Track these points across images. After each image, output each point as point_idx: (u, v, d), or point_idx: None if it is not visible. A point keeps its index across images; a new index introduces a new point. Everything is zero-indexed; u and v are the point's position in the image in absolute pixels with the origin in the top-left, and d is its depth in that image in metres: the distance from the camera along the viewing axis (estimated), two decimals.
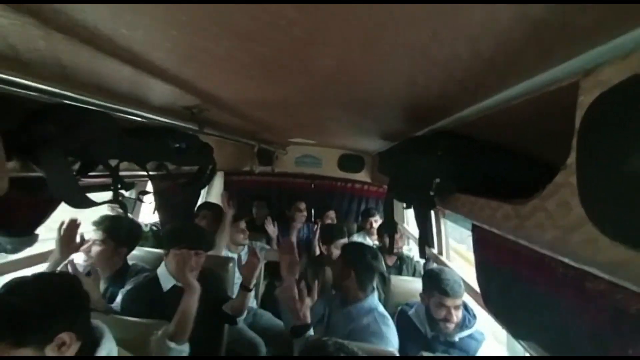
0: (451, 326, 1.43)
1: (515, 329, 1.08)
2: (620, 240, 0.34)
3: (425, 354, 1.15)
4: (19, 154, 0.91)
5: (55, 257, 1.36)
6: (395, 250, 2.35)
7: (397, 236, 2.35)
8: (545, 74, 0.45)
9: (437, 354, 1.40)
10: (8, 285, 0.85)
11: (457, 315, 1.43)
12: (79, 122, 1.02)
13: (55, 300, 0.85)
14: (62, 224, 1.43)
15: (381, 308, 1.47)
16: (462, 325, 1.44)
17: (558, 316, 0.86)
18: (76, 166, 1.09)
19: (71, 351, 0.85)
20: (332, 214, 3.20)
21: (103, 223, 1.60)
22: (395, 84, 0.71)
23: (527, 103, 0.53)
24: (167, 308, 1.30)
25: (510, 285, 1.08)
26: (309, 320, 1.26)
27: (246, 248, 2.40)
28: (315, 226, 3.03)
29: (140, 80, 0.81)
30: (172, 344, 1.23)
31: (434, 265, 1.98)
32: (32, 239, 1.23)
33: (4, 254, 1.24)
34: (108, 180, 1.28)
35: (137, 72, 0.70)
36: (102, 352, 0.88)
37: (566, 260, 0.50)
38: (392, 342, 1.36)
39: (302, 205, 2.98)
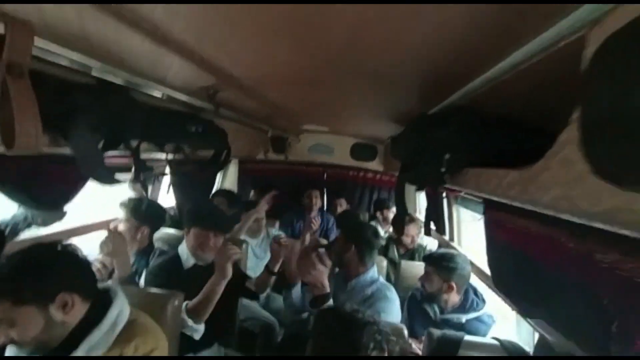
0: (449, 303, 1.47)
1: (524, 307, 1.08)
2: (622, 185, 0.35)
3: (433, 331, 1.17)
4: (48, 127, 0.97)
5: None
6: (411, 244, 2.35)
7: (414, 232, 2.35)
8: (553, 29, 0.46)
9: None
10: (11, 252, 0.91)
11: (452, 295, 1.46)
12: (107, 99, 1.07)
13: (51, 261, 0.88)
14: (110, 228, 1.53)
15: (383, 279, 1.52)
16: (470, 307, 1.45)
17: (567, 292, 0.86)
18: (100, 145, 1.15)
19: (77, 311, 0.88)
20: (342, 201, 3.22)
21: (129, 204, 1.69)
22: (407, 54, 0.72)
23: (537, 65, 0.54)
24: (187, 285, 1.35)
25: (520, 264, 1.08)
26: (327, 289, 1.30)
27: (261, 236, 2.45)
28: (329, 215, 3.09)
29: (159, 57, 0.84)
30: (190, 322, 1.30)
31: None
32: (60, 213, 1.31)
33: (34, 227, 1.34)
34: (129, 163, 1.35)
35: (157, 46, 0.74)
36: (113, 311, 0.93)
37: (567, 216, 0.50)
38: (397, 306, 1.41)
39: (317, 193, 3.00)
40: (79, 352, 0.85)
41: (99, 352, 0.87)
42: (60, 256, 0.92)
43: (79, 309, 0.90)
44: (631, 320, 0.69)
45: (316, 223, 2.84)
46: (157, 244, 1.87)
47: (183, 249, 1.56)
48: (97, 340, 0.87)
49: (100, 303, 0.94)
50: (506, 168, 0.67)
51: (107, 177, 1.16)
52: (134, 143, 1.30)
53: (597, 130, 0.39)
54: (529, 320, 1.10)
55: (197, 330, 1.34)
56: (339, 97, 1.34)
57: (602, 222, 0.41)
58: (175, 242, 1.86)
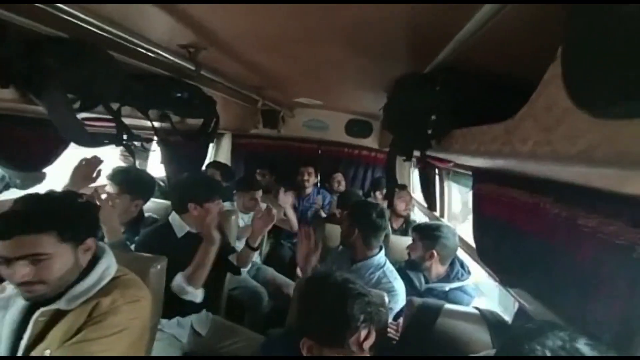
0: (432, 273, 1.49)
1: (505, 277, 1.08)
2: (605, 115, 0.32)
3: (414, 300, 1.18)
4: (18, 83, 0.93)
5: (66, 185, 1.41)
6: (404, 211, 2.36)
7: (407, 198, 2.36)
8: None
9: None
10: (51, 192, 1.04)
11: (435, 263, 1.48)
12: (80, 57, 1.02)
13: (84, 206, 0.97)
14: (84, 158, 1.49)
15: (389, 264, 1.50)
16: (454, 277, 1.46)
17: (549, 259, 0.86)
18: (76, 105, 1.11)
19: (86, 257, 0.93)
20: (339, 176, 3.19)
21: (117, 176, 1.63)
22: (390, 7, 0.67)
23: (512, 13, 0.50)
24: (181, 253, 1.37)
25: (504, 234, 1.07)
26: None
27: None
28: (325, 192, 3.07)
29: (136, 7, 0.79)
30: (190, 288, 1.36)
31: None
32: (40, 176, 1.29)
33: (15, 190, 1.31)
34: (113, 130, 1.31)
35: None
36: (100, 266, 0.94)
37: (547, 164, 0.48)
38: (402, 297, 1.40)
39: (309, 170, 2.95)
40: (62, 301, 0.86)
41: (77, 303, 0.87)
42: (88, 204, 1.02)
43: (89, 255, 0.94)
44: (611, 282, 0.68)
45: (319, 202, 2.84)
46: (146, 213, 1.86)
47: (174, 217, 1.55)
48: (79, 293, 0.88)
49: (95, 253, 0.96)
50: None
51: (85, 139, 1.12)
52: (114, 106, 1.25)
53: (579, 62, 0.35)
54: (509, 290, 1.10)
55: (197, 295, 1.39)
56: (326, 61, 1.28)
57: (580, 162, 0.39)
58: (164, 212, 1.85)
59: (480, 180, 1.24)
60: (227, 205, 2.39)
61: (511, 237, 1.06)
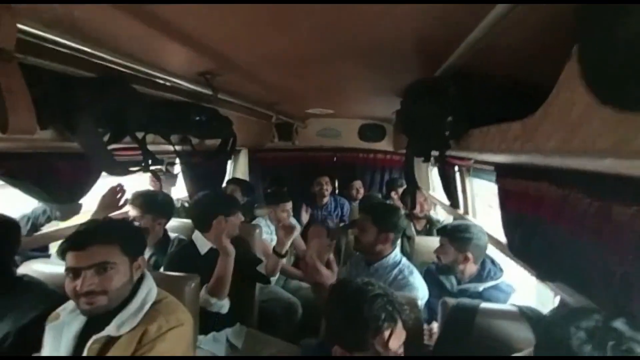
0: (466, 274, 1.45)
1: (542, 271, 1.06)
2: (626, 108, 0.33)
3: (448, 300, 1.16)
4: (54, 122, 1.00)
5: (93, 214, 1.49)
6: (421, 213, 2.33)
7: (421, 199, 2.33)
8: None
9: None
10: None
11: (468, 265, 1.43)
12: (106, 92, 1.09)
13: (137, 229, 1.11)
14: (110, 188, 1.59)
15: (405, 260, 1.50)
16: (487, 276, 1.42)
17: (582, 251, 0.83)
18: (106, 138, 1.18)
19: (137, 275, 1.00)
20: (358, 183, 3.19)
21: (137, 199, 1.69)
22: (399, 17, 0.69)
23: (521, 15, 0.50)
24: (205, 269, 1.41)
25: (535, 229, 1.05)
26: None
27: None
28: (343, 200, 3.08)
29: (154, 41, 0.84)
30: (214, 300, 1.39)
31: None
32: (77, 207, 1.37)
33: (55, 222, 1.40)
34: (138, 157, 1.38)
35: (151, 30, 0.73)
36: (143, 290, 0.99)
37: (572, 160, 0.48)
38: (421, 291, 1.39)
39: (325, 180, 2.97)
40: (111, 327, 0.90)
41: (126, 329, 0.91)
42: (137, 226, 1.13)
43: (139, 273, 1.01)
44: None
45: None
46: (173, 234, 1.93)
47: (198, 235, 1.60)
48: (127, 317, 0.92)
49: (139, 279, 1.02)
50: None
51: (116, 168, 1.19)
52: (139, 135, 1.32)
53: (598, 57, 0.36)
54: (548, 283, 1.07)
55: (222, 305, 1.43)
56: (340, 77, 1.31)
57: (605, 158, 0.39)
58: (189, 231, 1.91)
59: (503, 174, 1.22)
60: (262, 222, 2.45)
61: (541, 230, 1.03)
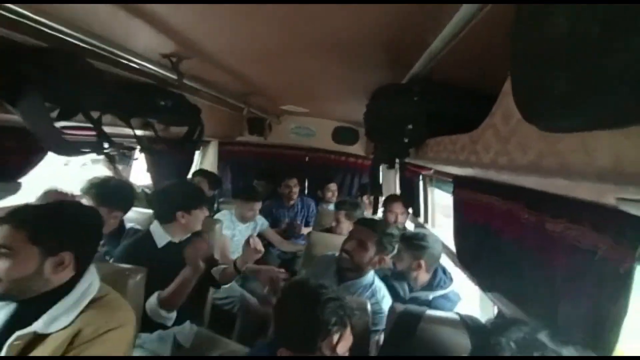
0: (418, 282, 1.49)
1: (483, 281, 1.11)
2: (545, 126, 0.35)
3: (396, 306, 1.19)
4: None
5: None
6: (394, 223, 2.35)
7: (398, 211, 2.33)
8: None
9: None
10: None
11: (421, 273, 1.48)
12: (59, 65, 1.01)
13: (74, 219, 0.93)
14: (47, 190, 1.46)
15: (377, 282, 1.49)
16: (437, 285, 1.48)
17: (520, 263, 0.89)
18: (55, 114, 1.09)
19: (64, 275, 0.88)
20: (333, 186, 3.17)
21: (91, 189, 1.55)
22: (364, 15, 0.69)
23: (484, 22, 0.52)
24: (161, 264, 1.33)
25: (481, 240, 1.10)
26: None
27: (251, 224, 2.46)
28: (309, 200, 3.08)
29: (119, 19, 0.80)
30: (163, 312, 1.31)
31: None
32: (15, 186, 1.25)
33: None
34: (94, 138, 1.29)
35: (117, 7, 0.69)
36: (82, 284, 0.91)
37: (505, 173, 0.50)
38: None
39: (294, 182, 2.93)
40: (39, 323, 0.83)
41: (60, 325, 0.84)
42: (85, 217, 0.97)
43: (67, 274, 0.89)
44: (578, 284, 0.71)
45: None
46: (129, 224, 1.83)
47: (155, 227, 1.52)
48: (60, 314, 0.85)
49: (79, 271, 0.92)
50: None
51: (64, 148, 1.11)
52: (94, 115, 1.24)
53: (524, 75, 0.38)
54: (488, 294, 1.12)
55: (170, 318, 1.34)
56: (310, 72, 1.31)
57: (530, 172, 0.41)
58: (148, 222, 1.82)
59: (459, 185, 1.28)
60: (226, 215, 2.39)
61: (488, 242, 1.08)
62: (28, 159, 1.21)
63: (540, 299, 0.84)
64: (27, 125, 0.99)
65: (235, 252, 2.14)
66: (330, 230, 2.23)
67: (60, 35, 0.84)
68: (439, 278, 1.51)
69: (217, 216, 2.33)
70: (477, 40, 0.64)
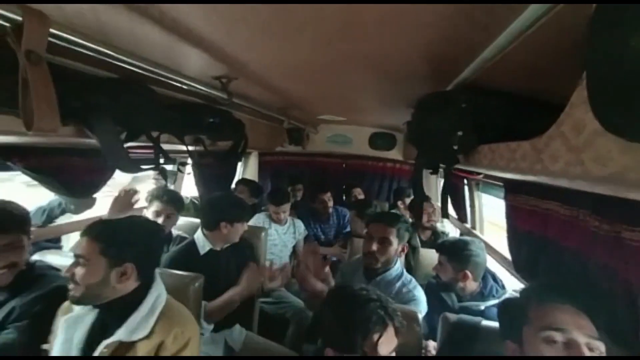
0: (466, 291, 1.43)
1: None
2: (633, 138, 0.33)
3: (449, 316, 1.15)
4: (74, 120, 1.04)
5: (108, 213, 1.54)
6: (427, 223, 2.31)
7: (429, 210, 2.31)
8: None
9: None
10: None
11: (468, 283, 1.41)
12: (125, 92, 1.13)
13: (139, 234, 1.02)
14: (123, 189, 1.64)
15: (405, 272, 1.49)
16: (489, 294, 1.40)
17: (590, 273, 0.82)
18: (123, 136, 1.22)
19: (128, 284, 0.97)
20: (357, 190, 3.17)
21: (155, 193, 1.82)
22: (410, 32, 0.70)
23: (544, 29, 0.51)
24: (203, 270, 1.40)
25: (541, 248, 1.04)
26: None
27: (287, 225, 2.53)
28: (344, 210, 3.08)
29: (173, 46, 0.87)
30: (205, 324, 1.37)
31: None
32: (90, 201, 1.41)
33: (69, 214, 1.44)
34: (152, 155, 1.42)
35: (171, 36, 0.77)
36: (152, 294, 1.00)
37: (579, 183, 0.48)
38: (424, 304, 1.38)
39: (328, 196, 2.91)
40: (122, 332, 0.92)
41: (139, 335, 0.92)
42: (149, 233, 1.06)
43: (131, 283, 0.98)
44: None
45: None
46: (176, 232, 1.97)
47: (199, 235, 1.62)
48: (138, 322, 0.94)
49: (145, 282, 1.01)
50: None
51: (130, 166, 1.23)
52: (154, 134, 1.36)
53: (604, 86, 0.36)
54: None
55: (208, 329, 1.41)
56: (350, 86, 1.33)
57: (613, 184, 0.39)
58: (193, 230, 1.94)
59: (512, 190, 1.21)
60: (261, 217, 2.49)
61: (548, 250, 1.02)
62: (101, 177, 1.36)
63: (613, 312, 0.77)
64: (101, 147, 1.11)
65: (269, 251, 2.20)
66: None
67: (125, 66, 0.94)
68: (489, 286, 1.43)
69: (253, 218, 2.42)
70: (528, 50, 0.62)
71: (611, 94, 0.35)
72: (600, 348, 0.75)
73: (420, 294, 1.40)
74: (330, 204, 2.94)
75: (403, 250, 1.50)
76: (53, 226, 1.46)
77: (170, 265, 1.47)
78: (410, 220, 2.45)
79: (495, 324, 1.14)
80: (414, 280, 1.46)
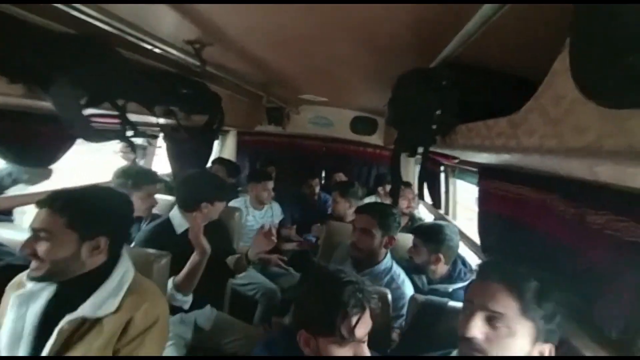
0: (436, 274, 1.45)
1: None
2: (616, 105, 0.32)
3: (417, 297, 1.17)
4: (27, 78, 0.94)
5: None
6: (406, 209, 2.34)
7: (410, 196, 2.33)
8: None
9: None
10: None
11: (439, 266, 1.44)
12: (88, 53, 1.03)
13: (109, 205, 0.96)
14: None
15: (395, 266, 1.48)
16: (457, 277, 1.44)
17: (556, 256, 0.85)
18: (83, 101, 1.12)
19: (97, 259, 0.91)
20: (341, 175, 3.18)
21: (121, 175, 1.65)
22: (391, 10, 0.67)
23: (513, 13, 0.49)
24: (179, 250, 1.35)
25: (510, 231, 1.06)
26: None
27: (264, 208, 2.48)
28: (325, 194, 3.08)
29: (142, 5, 0.79)
30: (179, 295, 1.33)
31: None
32: (47, 172, 1.31)
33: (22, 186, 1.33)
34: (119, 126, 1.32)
35: None
36: (119, 269, 0.94)
37: (553, 157, 0.47)
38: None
39: (315, 181, 2.98)
40: (86, 308, 0.86)
41: (105, 311, 0.87)
42: (118, 203, 1.00)
43: (101, 258, 0.92)
44: (619, 279, 0.68)
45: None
46: None
47: (175, 214, 1.55)
48: (104, 298, 0.88)
49: (112, 257, 0.95)
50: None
51: (91, 134, 1.14)
52: (120, 102, 1.26)
53: (587, 52, 0.35)
54: None
55: (186, 302, 1.37)
56: (332, 58, 1.28)
57: (589, 155, 0.38)
58: (168, 209, 1.86)
59: (486, 176, 1.23)
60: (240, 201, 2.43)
61: (517, 234, 1.05)
62: (59, 145, 1.25)
63: (574, 293, 0.80)
64: (57, 110, 1.01)
65: (247, 236, 2.18)
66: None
67: (87, 19, 0.85)
68: (458, 269, 1.47)
69: (231, 203, 2.35)
70: (510, 24, 0.60)
71: (594, 60, 0.33)
72: (512, 327, 0.72)
73: (408, 290, 1.39)
74: (317, 188, 2.97)
75: (390, 242, 1.47)
76: (2, 197, 1.34)
77: (145, 244, 1.40)
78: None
79: (460, 305, 1.18)
80: (403, 273, 1.46)
